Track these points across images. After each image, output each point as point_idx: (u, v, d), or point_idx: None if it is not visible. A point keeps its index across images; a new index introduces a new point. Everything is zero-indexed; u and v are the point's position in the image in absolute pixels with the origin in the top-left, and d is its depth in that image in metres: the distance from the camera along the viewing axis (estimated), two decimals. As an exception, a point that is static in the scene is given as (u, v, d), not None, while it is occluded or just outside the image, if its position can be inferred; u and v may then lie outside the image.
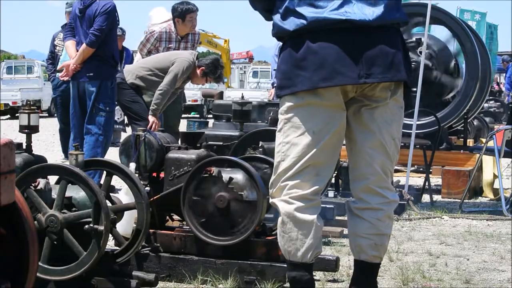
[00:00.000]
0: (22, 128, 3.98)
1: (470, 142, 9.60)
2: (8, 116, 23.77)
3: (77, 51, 6.67)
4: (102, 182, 4.08)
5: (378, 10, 3.01)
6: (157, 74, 6.97)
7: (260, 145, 5.04)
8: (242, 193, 4.02)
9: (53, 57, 9.11)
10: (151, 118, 6.84)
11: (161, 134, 4.56)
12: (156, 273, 3.96)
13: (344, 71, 2.98)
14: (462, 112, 8.33)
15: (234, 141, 5.33)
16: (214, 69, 7.06)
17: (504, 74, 21.76)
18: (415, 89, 7.11)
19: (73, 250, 3.64)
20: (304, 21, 3.01)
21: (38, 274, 3.34)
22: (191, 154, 4.27)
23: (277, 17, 3.11)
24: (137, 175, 4.19)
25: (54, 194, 3.73)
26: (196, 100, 25.18)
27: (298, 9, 3.03)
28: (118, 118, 12.01)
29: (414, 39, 8.26)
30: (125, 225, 4.19)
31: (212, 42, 29.75)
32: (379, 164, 3.14)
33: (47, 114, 24.25)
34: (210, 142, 4.85)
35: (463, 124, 8.79)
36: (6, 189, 1.98)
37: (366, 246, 3.19)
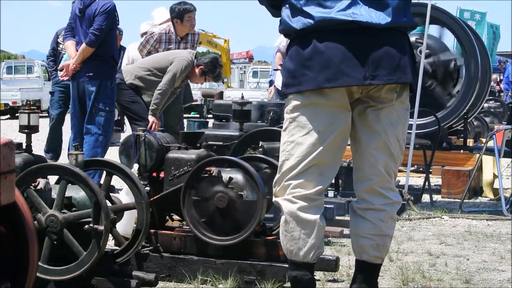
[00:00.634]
0: (22, 128, 3.98)
1: (470, 142, 9.59)
2: (8, 116, 23.78)
3: (77, 51, 6.67)
4: (102, 182, 4.09)
5: (385, 13, 3.02)
6: (156, 74, 6.97)
7: (260, 145, 5.04)
8: (242, 193, 4.02)
9: (55, 54, 9.03)
10: (151, 118, 6.84)
11: (161, 134, 4.56)
12: (156, 273, 3.96)
13: (350, 72, 2.99)
14: (462, 112, 8.32)
15: (234, 141, 5.33)
16: (213, 68, 7.05)
17: (502, 74, 21.78)
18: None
19: (73, 250, 3.64)
20: (311, 21, 3.02)
21: (38, 274, 3.34)
22: (191, 154, 4.27)
23: (285, 14, 3.12)
24: (137, 175, 4.19)
25: (54, 194, 3.73)
26: (196, 100, 25.18)
27: (306, 8, 3.03)
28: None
29: (414, 39, 8.26)
30: (125, 225, 4.20)
31: (212, 42, 29.76)
32: (383, 165, 3.15)
33: (47, 114, 24.19)
34: (210, 142, 4.85)
35: (463, 124, 8.79)
36: (6, 189, 1.98)
37: (368, 246, 3.19)
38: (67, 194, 3.70)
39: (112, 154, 8.07)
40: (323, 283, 4.16)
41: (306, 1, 3.04)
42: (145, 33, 7.97)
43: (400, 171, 8.42)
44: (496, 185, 7.73)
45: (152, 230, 4.19)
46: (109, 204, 3.81)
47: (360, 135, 3.17)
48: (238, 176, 4.08)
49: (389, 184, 3.19)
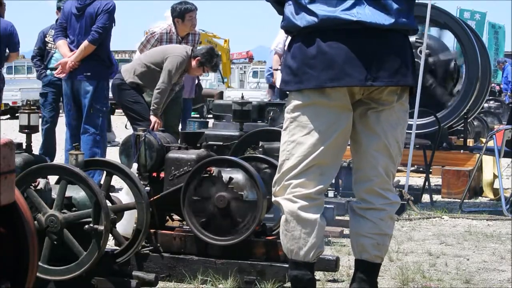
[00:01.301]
0: (22, 128, 3.98)
1: (470, 142, 9.59)
2: (8, 116, 23.76)
3: (71, 50, 6.65)
4: (102, 182, 4.09)
5: (388, 15, 3.03)
6: (154, 69, 6.94)
7: (260, 145, 5.04)
8: (242, 193, 4.02)
9: (41, 54, 8.90)
10: (152, 118, 6.83)
11: (161, 134, 4.56)
12: (156, 273, 3.96)
13: (352, 72, 3.00)
14: (462, 112, 8.32)
15: (234, 141, 5.33)
16: (210, 58, 7.01)
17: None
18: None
19: (73, 250, 3.64)
20: (315, 19, 3.02)
21: (38, 274, 3.34)
22: (191, 154, 4.27)
23: (289, 10, 3.11)
24: (137, 175, 4.19)
25: (54, 194, 3.73)
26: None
27: (310, 6, 3.03)
28: None
29: (413, 39, 8.25)
30: (125, 225, 4.19)
31: (212, 42, 29.70)
32: (383, 167, 3.17)
33: (47, 114, 24.20)
34: (210, 142, 4.85)
35: (463, 124, 8.79)
36: (6, 189, 1.98)
37: (368, 246, 3.20)
38: (67, 194, 3.70)
39: (112, 154, 8.07)
40: (323, 283, 4.16)
41: None
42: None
43: (400, 171, 8.43)
44: (496, 185, 7.73)
45: (152, 230, 4.19)
46: (109, 204, 3.81)
47: (360, 137, 3.18)
48: (238, 176, 4.08)
49: (388, 185, 3.22)
